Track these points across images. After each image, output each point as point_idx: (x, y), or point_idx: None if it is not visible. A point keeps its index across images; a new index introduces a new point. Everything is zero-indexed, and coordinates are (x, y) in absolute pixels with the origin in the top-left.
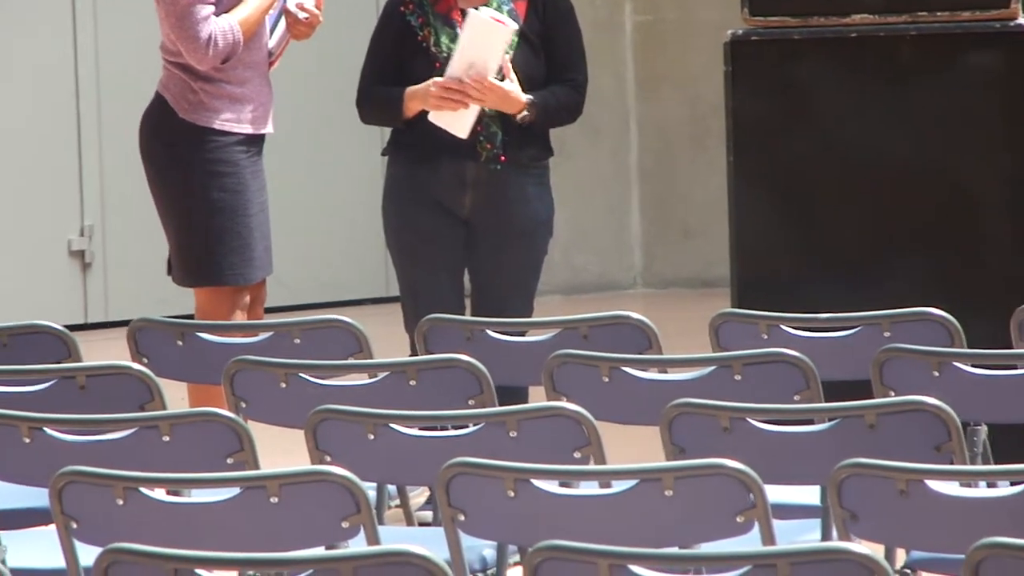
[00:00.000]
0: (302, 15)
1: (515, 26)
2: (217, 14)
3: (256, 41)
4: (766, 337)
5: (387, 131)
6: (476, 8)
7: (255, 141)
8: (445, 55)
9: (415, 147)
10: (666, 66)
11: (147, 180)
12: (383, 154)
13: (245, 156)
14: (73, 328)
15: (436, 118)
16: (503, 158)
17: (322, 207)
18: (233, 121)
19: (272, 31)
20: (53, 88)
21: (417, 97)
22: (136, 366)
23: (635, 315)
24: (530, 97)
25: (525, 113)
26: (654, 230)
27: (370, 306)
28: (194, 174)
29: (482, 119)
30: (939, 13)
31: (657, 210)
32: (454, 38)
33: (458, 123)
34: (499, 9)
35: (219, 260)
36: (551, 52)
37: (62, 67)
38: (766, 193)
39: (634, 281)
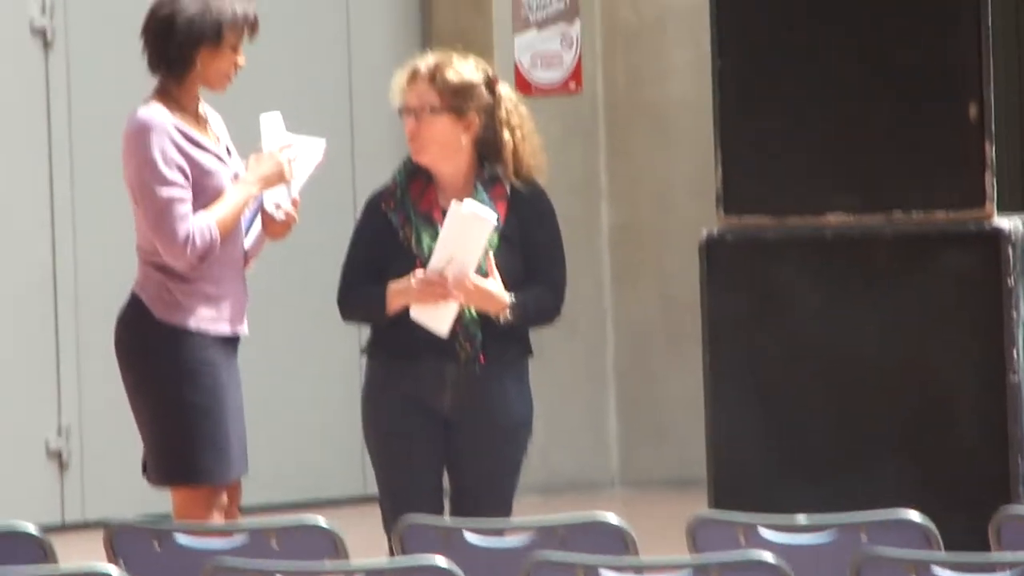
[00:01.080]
0: (278, 214)
1: (495, 218)
2: (193, 211)
3: (231, 240)
4: (743, 541)
5: (365, 328)
6: (453, 205)
7: (230, 341)
8: (427, 255)
9: (395, 346)
10: (642, 265)
11: (122, 380)
12: (362, 352)
13: (221, 356)
14: (50, 529)
15: (417, 314)
16: (483, 359)
17: (299, 405)
18: (209, 321)
19: (247, 230)
20: (31, 287)
21: (399, 293)
22: (113, 570)
23: (612, 518)
24: (512, 298)
25: (508, 314)
26: (631, 429)
27: (347, 507)
28: (170, 374)
29: (461, 318)
30: (915, 213)
31: (633, 409)
32: (435, 237)
33: (439, 319)
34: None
35: (195, 460)
36: (530, 252)
37: (40, 267)
38: (742, 393)
39: (611, 481)
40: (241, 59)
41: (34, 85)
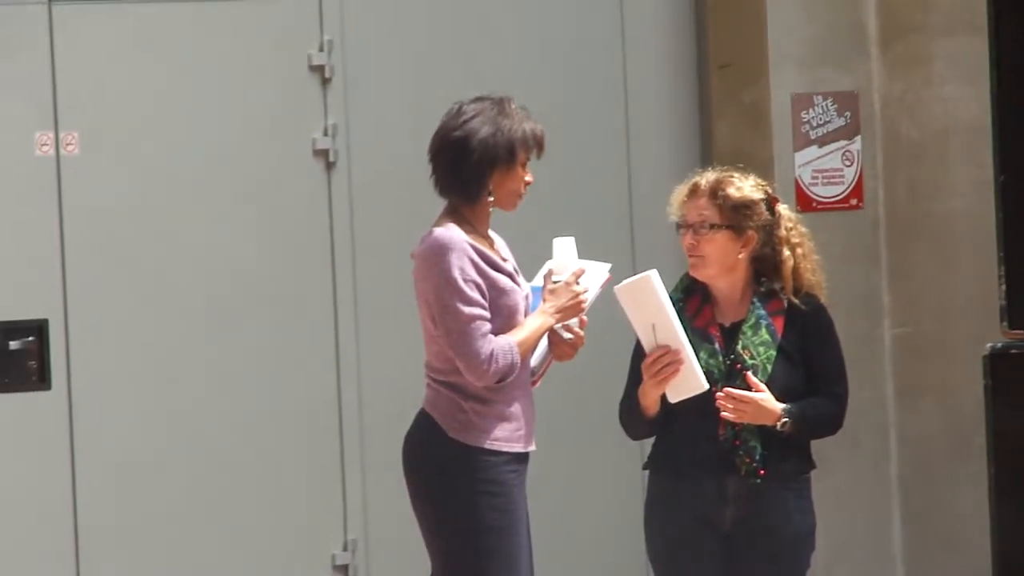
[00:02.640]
0: (566, 335)
1: (652, 272)
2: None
3: (523, 360)
4: None
5: (646, 445)
6: (746, 326)
7: (522, 459)
8: (704, 372)
9: (674, 461)
10: (925, 377)
11: (411, 497)
12: (644, 468)
13: (514, 475)
14: None
15: (672, 394)
16: (762, 472)
17: (582, 521)
18: (503, 440)
19: (534, 349)
20: (317, 403)
21: (645, 390)
22: None
23: None
24: (786, 406)
25: (785, 420)
26: (915, 542)
27: None
28: (464, 494)
29: (740, 433)
30: None
31: (918, 522)
32: (712, 353)
33: (689, 382)
34: (757, 324)
35: None
36: (811, 365)
37: (325, 382)
38: None
39: None
40: (529, 176)
41: (317, 204)
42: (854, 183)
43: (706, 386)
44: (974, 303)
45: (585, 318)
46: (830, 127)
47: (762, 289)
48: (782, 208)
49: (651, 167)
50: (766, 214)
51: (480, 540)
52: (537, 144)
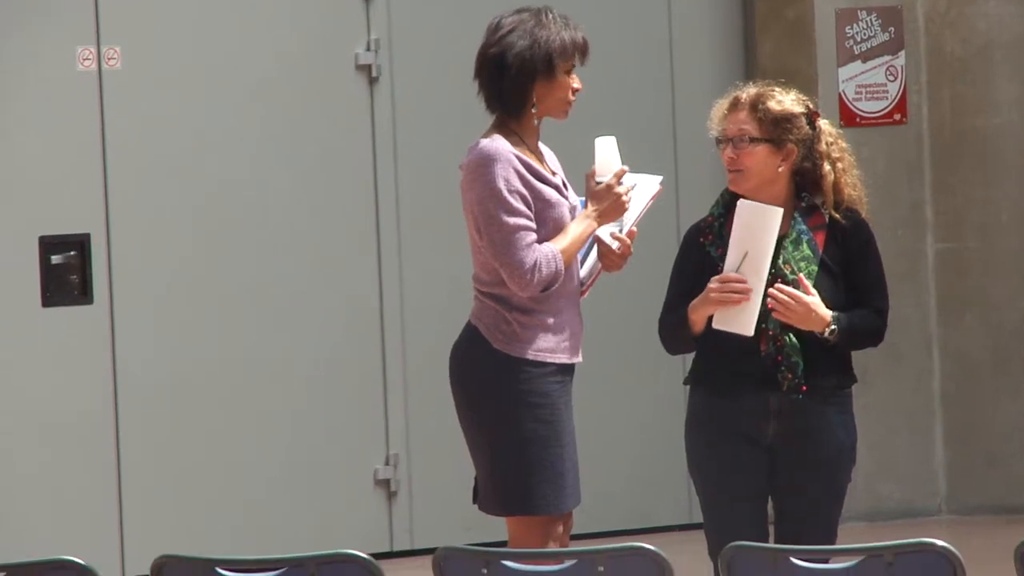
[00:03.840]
0: (615, 244)
1: (780, 209)
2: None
3: (569, 270)
4: None
5: (688, 360)
6: (788, 241)
7: (567, 371)
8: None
9: (716, 377)
10: (968, 293)
11: (456, 408)
12: (685, 383)
13: (558, 386)
14: (379, 556)
15: (720, 323)
16: (804, 388)
17: (624, 435)
18: (547, 352)
19: (583, 260)
20: (359, 319)
21: (699, 305)
22: None
23: (940, 543)
24: (835, 314)
25: (833, 328)
26: (958, 457)
27: (675, 532)
28: (508, 405)
29: (782, 349)
30: None
31: (961, 436)
32: None
33: (742, 322)
34: (798, 239)
35: (532, 490)
36: (852, 280)
37: (367, 299)
38: None
39: (939, 508)
40: (576, 82)
41: (360, 120)
42: (898, 98)
43: (752, 332)
44: (1017, 219)
45: (635, 229)
46: (874, 42)
47: (803, 204)
48: (823, 123)
49: (695, 83)
50: (807, 128)
51: (524, 451)
52: (579, 51)
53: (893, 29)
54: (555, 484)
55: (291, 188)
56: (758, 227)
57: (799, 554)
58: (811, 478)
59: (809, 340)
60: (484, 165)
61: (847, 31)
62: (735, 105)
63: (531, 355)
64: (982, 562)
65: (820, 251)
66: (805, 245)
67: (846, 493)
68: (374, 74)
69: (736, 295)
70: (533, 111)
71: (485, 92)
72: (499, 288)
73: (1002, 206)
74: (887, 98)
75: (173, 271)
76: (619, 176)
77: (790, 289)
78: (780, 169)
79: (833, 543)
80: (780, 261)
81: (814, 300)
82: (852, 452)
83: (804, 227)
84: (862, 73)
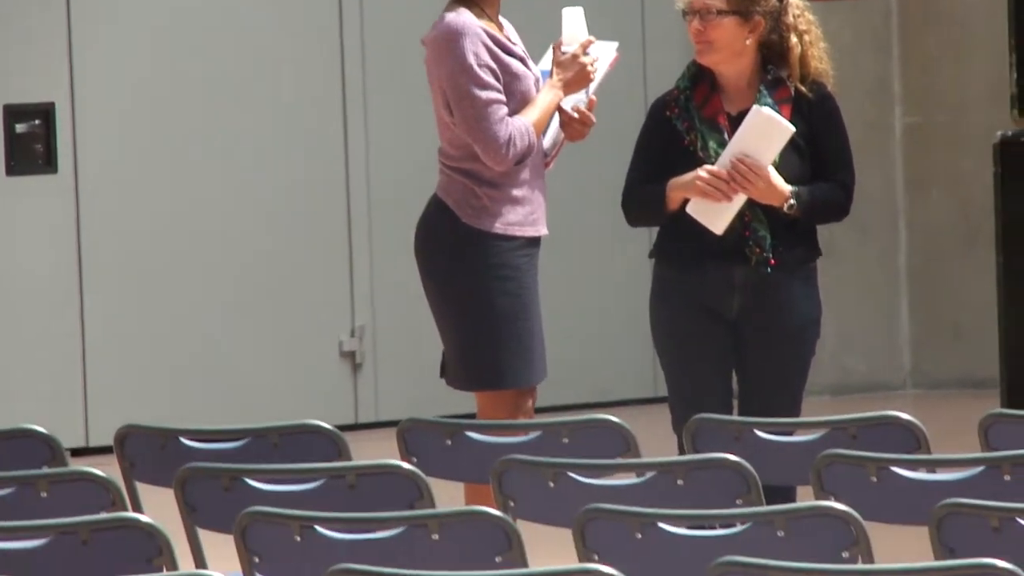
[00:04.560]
0: (575, 114)
1: (793, 128)
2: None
3: (538, 143)
4: None
5: (653, 233)
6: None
7: (533, 243)
8: (713, 160)
9: (682, 251)
10: (935, 167)
11: (423, 282)
12: (650, 256)
13: (526, 259)
14: (343, 428)
15: (694, 210)
16: (773, 262)
17: (588, 308)
18: (516, 225)
19: (546, 131)
20: (325, 191)
21: (680, 187)
22: (406, 465)
23: (904, 415)
24: (793, 188)
25: (792, 202)
26: (923, 331)
27: (637, 406)
28: (476, 279)
29: (749, 224)
30: None
31: (926, 311)
32: (722, 143)
33: (717, 218)
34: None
35: (500, 365)
36: (817, 153)
37: (333, 171)
38: None
39: (903, 382)
40: None
41: None
42: None
43: (721, 232)
44: (985, 93)
45: (595, 98)
46: None
47: (769, 77)
48: None
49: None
50: (773, 1)
51: (492, 325)
52: None
53: None
54: (523, 358)
55: (257, 55)
56: (764, 137)
57: (763, 427)
58: (776, 351)
59: (774, 214)
60: (452, 40)
61: None
62: None
63: (499, 228)
64: (946, 435)
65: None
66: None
67: (810, 367)
68: None
69: (719, 193)
70: None
71: None
72: (468, 163)
73: (970, 80)
74: None
75: (138, 140)
76: (585, 46)
77: (751, 161)
78: (747, 42)
79: (797, 416)
80: None
81: (774, 175)
82: (817, 326)
83: (770, 100)
84: None
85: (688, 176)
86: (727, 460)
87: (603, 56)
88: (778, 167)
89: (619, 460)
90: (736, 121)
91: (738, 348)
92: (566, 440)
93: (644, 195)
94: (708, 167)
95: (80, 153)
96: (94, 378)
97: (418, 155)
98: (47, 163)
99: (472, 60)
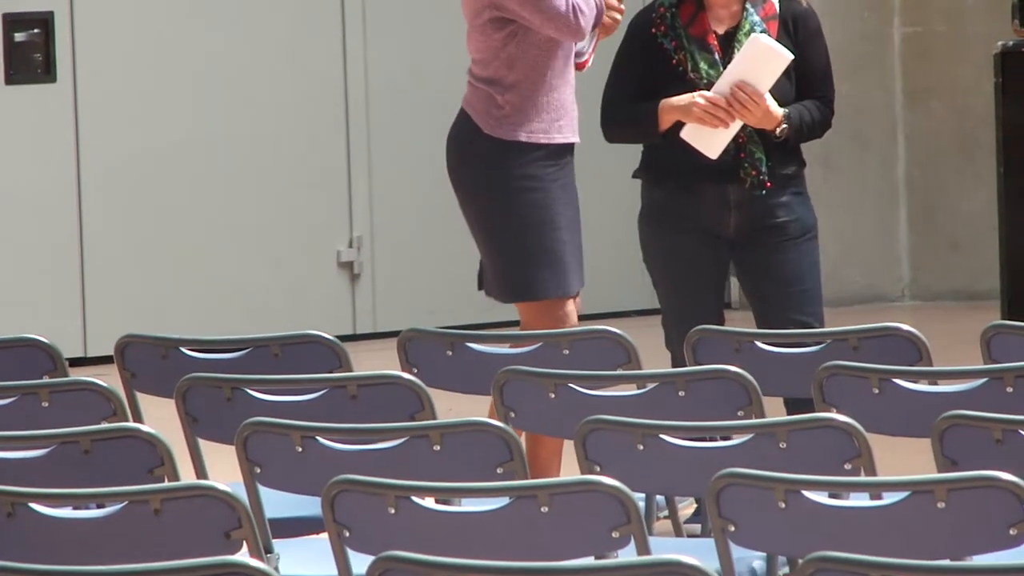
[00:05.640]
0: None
1: (791, 56)
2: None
3: (568, 46)
4: None
5: (635, 150)
6: (741, 34)
7: (564, 151)
8: (705, 80)
9: (673, 172)
10: (934, 78)
11: (456, 197)
12: (634, 176)
13: (553, 168)
14: (342, 339)
15: (689, 135)
16: (769, 184)
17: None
18: (540, 132)
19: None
20: (322, 101)
21: (676, 109)
22: (407, 376)
23: (905, 327)
24: (785, 111)
25: (784, 126)
26: (922, 242)
27: (634, 318)
28: (501, 191)
29: (744, 145)
30: None
31: (925, 222)
32: (712, 64)
33: (712, 143)
34: (751, 31)
35: (533, 275)
36: (802, 70)
37: (331, 79)
38: None
39: (901, 294)
40: None
41: None
42: None
43: (716, 157)
44: (984, 3)
45: None
46: None
47: None
48: None
49: None
50: None
51: (521, 236)
52: None
53: None
54: (555, 268)
55: None
56: (762, 65)
57: (764, 338)
58: (783, 257)
59: (765, 134)
60: None
61: None
62: None
63: (524, 137)
64: (944, 346)
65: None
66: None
67: (820, 270)
68: None
69: (717, 120)
70: None
71: None
72: (491, 69)
73: None
74: None
75: (137, 50)
76: None
77: (752, 89)
78: None
79: (821, 319)
80: (736, 54)
81: (769, 100)
82: (815, 231)
83: (757, 18)
84: None
85: (683, 99)
86: (728, 371)
87: None
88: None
89: (620, 371)
90: (725, 40)
91: (743, 266)
92: (567, 352)
93: (633, 114)
94: (705, 93)
95: (79, 63)
96: (93, 288)
97: (417, 66)
98: (46, 72)
99: None
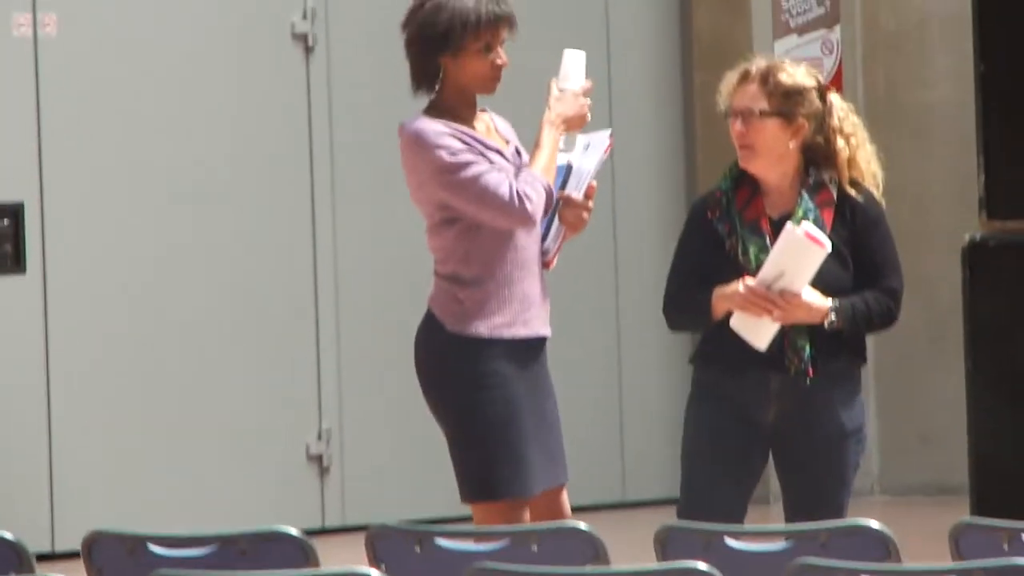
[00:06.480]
0: (579, 197)
1: (829, 247)
2: None
3: (525, 238)
4: (1007, 548)
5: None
6: (793, 221)
7: (526, 345)
8: (753, 266)
9: (722, 356)
10: (902, 267)
11: (422, 393)
12: (690, 361)
13: (515, 364)
14: (310, 532)
15: (737, 324)
16: (811, 372)
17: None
18: (504, 327)
19: (548, 229)
20: (292, 292)
21: (725, 297)
22: (374, 572)
23: (874, 524)
24: (834, 303)
25: (832, 319)
26: (891, 434)
27: (607, 512)
28: (461, 388)
29: (788, 332)
30: None
31: (894, 414)
32: (763, 248)
33: (759, 334)
34: (804, 216)
35: (490, 476)
36: (861, 260)
37: (301, 272)
38: (1006, 399)
39: (871, 488)
40: (500, 58)
41: (296, 88)
42: (833, 72)
43: (764, 347)
44: (951, 194)
45: (594, 183)
46: (809, 15)
47: (810, 180)
48: (833, 97)
49: (631, 54)
50: (817, 102)
51: (478, 436)
52: (497, 25)
53: (829, 2)
54: (515, 469)
55: (227, 160)
56: (799, 258)
57: (733, 535)
58: (813, 462)
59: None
60: (418, 140)
61: (783, 4)
62: (745, 78)
63: (485, 332)
64: (915, 543)
65: (827, 229)
66: (822, 234)
67: (853, 477)
68: (310, 43)
69: (759, 308)
70: (451, 86)
71: (409, 69)
72: (450, 265)
73: (935, 180)
74: (823, 72)
75: (107, 242)
76: (586, 91)
77: (788, 293)
78: (790, 145)
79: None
80: None
81: (810, 294)
82: (858, 434)
83: (811, 205)
84: (798, 47)
85: (731, 287)
86: (696, 569)
87: (597, 145)
88: (817, 275)
89: (588, 568)
90: (778, 225)
91: (778, 459)
92: (535, 548)
93: (688, 303)
94: (749, 283)
95: (49, 254)
96: (61, 482)
97: (387, 253)
98: (16, 263)
99: (442, 152)
